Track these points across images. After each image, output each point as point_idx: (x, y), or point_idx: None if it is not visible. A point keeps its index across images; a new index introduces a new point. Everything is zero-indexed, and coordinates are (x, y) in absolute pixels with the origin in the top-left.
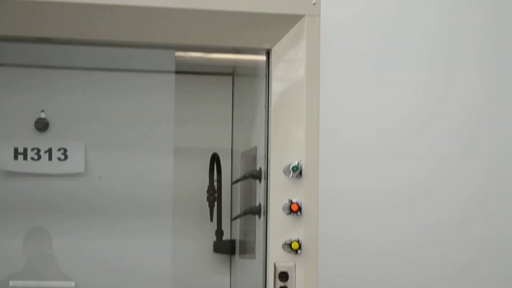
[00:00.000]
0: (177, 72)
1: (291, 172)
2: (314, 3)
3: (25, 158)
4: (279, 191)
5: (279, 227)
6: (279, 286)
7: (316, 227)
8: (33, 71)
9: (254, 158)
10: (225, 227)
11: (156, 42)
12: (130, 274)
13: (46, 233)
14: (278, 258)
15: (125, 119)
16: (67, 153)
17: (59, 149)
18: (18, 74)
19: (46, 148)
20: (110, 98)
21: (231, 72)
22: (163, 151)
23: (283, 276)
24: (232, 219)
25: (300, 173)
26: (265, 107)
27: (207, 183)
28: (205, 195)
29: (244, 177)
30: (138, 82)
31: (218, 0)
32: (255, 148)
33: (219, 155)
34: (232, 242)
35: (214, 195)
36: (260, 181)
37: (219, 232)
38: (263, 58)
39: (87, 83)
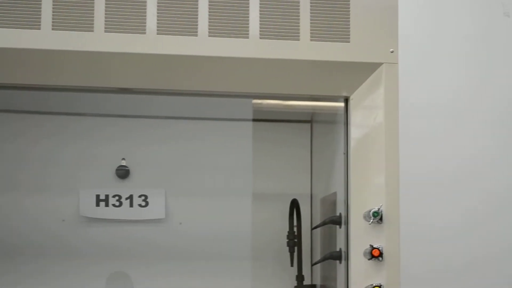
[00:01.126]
0: (254, 120)
1: (372, 217)
2: (392, 51)
3: (106, 205)
4: (359, 236)
5: (360, 273)
6: None
7: (398, 272)
8: (114, 120)
9: (334, 203)
10: (305, 272)
11: (233, 91)
12: None
13: (127, 278)
14: None
15: (203, 166)
16: (148, 200)
17: (140, 196)
18: (100, 123)
19: (127, 195)
20: (189, 145)
21: (309, 119)
22: (241, 197)
23: None
24: (312, 264)
25: (381, 218)
26: (344, 153)
27: (285, 228)
28: (283, 240)
29: (324, 223)
30: (216, 130)
31: (296, 49)
32: (335, 194)
33: (298, 200)
34: (312, 287)
35: (294, 240)
36: (340, 227)
37: (299, 277)
38: (341, 105)
39: (166, 131)
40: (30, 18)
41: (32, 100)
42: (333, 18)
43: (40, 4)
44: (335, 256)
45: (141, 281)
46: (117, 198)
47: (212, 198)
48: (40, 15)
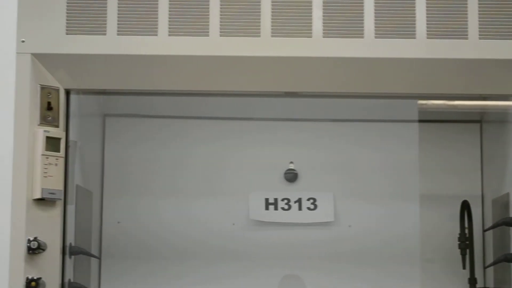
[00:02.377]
0: (420, 121)
1: None
2: None
3: (276, 208)
4: None
5: None
6: None
7: None
8: (282, 124)
9: (506, 205)
10: (478, 275)
11: (398, 92)
12: None
13: (300, 281)
14: None
15: (370, 168)
16: (317, 203)
17: (308, 199)
18: (269, 127)
19: (296, 198)
20: (355, 148)
21: (478, 119)
22: (408, 199)
23: None
24: (485, 267)
25: None
26: None
27: (454, 230)
28: (452, 242)
29: (497, 224)
30: (382, 132)
31: (464, 48)
32: (507, 195)
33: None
34: None
35: (465, 242)
36: None
37: (472, 280)
38: None
39: (333, 134)
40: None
41: (203, 105)
42: (503, 15)
43: (208, 12)
44: (509, 259)
45: (312, 283)
46: (286, 201)
47: (380, 201)
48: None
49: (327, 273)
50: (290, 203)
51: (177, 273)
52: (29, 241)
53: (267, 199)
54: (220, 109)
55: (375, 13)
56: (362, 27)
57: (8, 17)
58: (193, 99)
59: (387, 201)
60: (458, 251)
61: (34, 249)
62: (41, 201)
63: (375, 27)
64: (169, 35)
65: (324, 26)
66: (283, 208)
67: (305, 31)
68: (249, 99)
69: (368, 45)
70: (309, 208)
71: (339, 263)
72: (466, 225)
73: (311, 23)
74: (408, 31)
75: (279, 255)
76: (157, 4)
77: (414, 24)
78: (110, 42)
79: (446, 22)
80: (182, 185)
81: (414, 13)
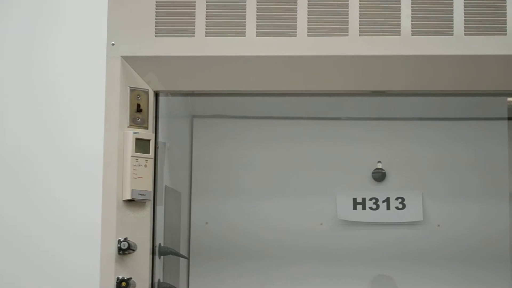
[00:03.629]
0: (509, 119)
1: None
2: None
3: (363, 208)
4: None
5: None
6: None
7: None
8: (370, 123)
9: None
10: None
11: (486, 90)
12: None
13: (391, 281)
14: None
15: (458, 167)
16: (405, 202)
17: (396, 198)
18: (356, 126)
19: (384, 198)
20: (443, 146)
21: None
22: (498, 197)
23: None
24: None
25: None
26: None
27: None
28: None
29: None
30: (470, 130)
31: None
32: None
33: None
34: None
35: None
36: None
37: None
38: None
39: (421, 133)
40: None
41: (291, 105)
42: None
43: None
44: None
45: (402, 283)
46: (374, 201)
47: (469, 199)
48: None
49: (416, 273)
50: (378, 203)
51: (264, 273)
52: (119, 241)
53: (355, 199)
54: (308, 109)
55: (465, 10)
56: (452, 24)
57: (99, 21)
58: (281, 99)
59: (476, 200)
60: None
61: (125, 250)
62: (131, 202)
63: (465, 24)
64: (257, 35)
65: (412, 24)
66: (371, 208)
67: (394, 29)
68: (336, 98)
69: (458, 43)
70: (397, 208)
71: (428, 263)
72: None
73: (399, 21)
74: (497, 28)
75: (367, 255)
76: (244, 5)
77: (505, 21)
78: (199, 44)
79: None
80: (270, 185)
81: (505, 10)
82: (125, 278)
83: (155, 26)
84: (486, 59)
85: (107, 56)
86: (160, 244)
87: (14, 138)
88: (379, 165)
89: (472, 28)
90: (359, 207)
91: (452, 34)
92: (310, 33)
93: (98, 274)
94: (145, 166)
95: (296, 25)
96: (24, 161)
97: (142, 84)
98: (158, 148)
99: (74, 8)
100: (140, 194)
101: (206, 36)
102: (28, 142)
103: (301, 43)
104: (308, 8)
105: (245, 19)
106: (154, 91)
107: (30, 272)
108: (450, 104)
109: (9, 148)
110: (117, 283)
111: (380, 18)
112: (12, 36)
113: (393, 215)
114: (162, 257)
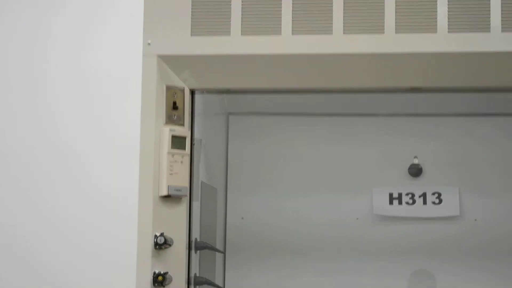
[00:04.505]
0: None
1: None
2: None
3: (400, 203)
4: None
5: None
6: None
7: None
8: (406, 119)
9: None
10: None
11: None
12: None
13: (430, 276)
14: None
15: (495, 163)
16: (442, 197)
17: (433, 193)
18: (393, 122)
19: (421, 193)
20: (480, 142)
21: None
22: None
23: None
24: None
25: None
26: None
27: None
28: None
29: None
30: (506, 126)
31: None
32: None
33: None
34: None
35: None
36: None
37: None
38: None
39: (458, 129)
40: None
41: (327, 102)
42: None
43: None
44: None
45: (440, 278)
46: (410, 196)
47: (506, 194)
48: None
49: (453, 267)
50: (414, 198)
51: (300, 268)
52: (156, 236)
53: (391, 194)
54: (345, 106)
55: (502, 6)
56: (489, 20)
57: (135, 21)
58: (317, 97)
59: None
60: None
61: (161, 245)
62: (167, 198)
63: (502, 21)
64: (293, 33)
65: (449, 22)
66: (407, 203)
67: (430, 26)
68: (373, 95)
69: (495, 39)
70: (434, 203)
71: (466, 257)
72: None
73: (436, 18)
74: None
75: (404, 249)
76: (280, 3)
77: None
78: (234, 42)
79: None
80: (305, 181)
81: None
82: (162, 272)
83: (191, 25)
84: None
85: (143, 55)
86: (196, 239)
87: (64, 131)
88: (415, 161)
89: (510, 24)
90: (395, 202)
91: (489, 31)
92: (346, 31)
93: (135, 268)
94: (181, 162)
95: (332, 23)
96: (73, 155)
97: (178, 82)
98: (194, 144)
99: (112, 7)
100: (176, 190)
101: (241, 35)
102: (77, 136)
103: (337, 41)
104: (344, 6)
105: (280, 17)
106: (190, 89)
107: (72, 259)
108: (487, 100)
109: (57, 138)
110: (153, 277)
111: (417, 16)
112: (63, 36)
113: (430, 210)
114: (198, 251)
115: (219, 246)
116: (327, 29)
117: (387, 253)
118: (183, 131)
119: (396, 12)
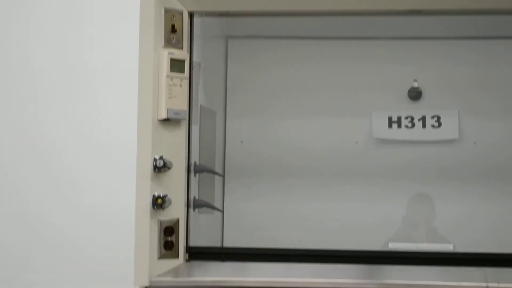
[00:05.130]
0: None
1: None
2: None
3: (399, 126)
4: None
5: None
6: None
7: None
8: (406, 42)
9: None
10: None
11: None
12: None
13: (427, 198)
14: None
15: (495, 85)
16: (441, 121)
17: (432, 117)
18: (392, 45)
19: (420, 116)
20: (480, 65)
21: None
22: None
23: None
24: None
25: None
26: None
27: None
28: None
29: None
30: (506, 48)
31: None
32: None
33: None
34: None
35: None
36: None
37: None
38: None
39: (457, 51)
40: None
41: (326, 25)
42: None
43: None
44: None
45: (439, 201)
46: (409, 119)
47: (506, 117)
48: None
49: (452, 190)
50: (413, 121)
51: (298, 191)
52: (155, 160)
53: (390, 117)
54: (344, 29)
55: None
56: None
57: None
58: (316, 19)
59: None
60: None
61: (160, 168)
62: (166, 121)
63: None
64: None
65: None
66: (406, 126)
67: None
68: (373, 17)
69: None
70: (433, 126)
71: (465, 181)
72: None
73: None
74: None
75: (403, 173)
76: None
77: None
78: None
79: None
80: (304, 104)
81: None
82: (161, 195)
83: None
84: None
85: None
86: (195, 162)
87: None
88: (415, 84)
89: None
90: (395, 125)
91: None
92: None
93: (134, 191)
94: (180, 86)
95: None
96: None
97: (176, 5)
98: (193, 68)
99: None
100: (175, 113)
101: None
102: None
103: None
104: None
105: None
106: (188, 12)
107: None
108: (488, 23)
109: None
110: (153, 200)
111: None
112: None
113: (429, 133)
114: (197, 174)
115: (218, 169)
116: None
117: (385, 177)
118: (182, 54)
119: None
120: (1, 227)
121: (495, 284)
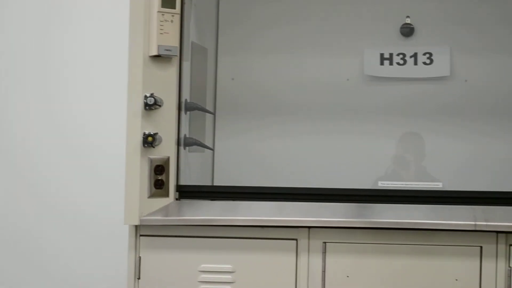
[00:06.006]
0: None
1: None
2: None
3: (391, 63)
4: None
5: None
6: None
7: None
8: None
9: None
10: None
11: None
12: None
13: (417, 136)
14: None
15: (487, 22)
16: (433, 57)
17: (424, 54)
18: None
19: (412, 53)
20: (468, 2)
21: None
22: None
23: None
24: None
25: None
26: None
27: None
28: None
29: None
30: None
31: None
32: None
33: None
34: None
35: None
36: None
37: None
38: None
39: None
40: None
41: None
42: None
43: None
44: None
45: (430, 139)
46: (401, 56)
47: (497, 55)
48: None
49: (444, 127)
50: (405, 58)
51: (290, 128)
52: (145, 97)
53: (382, 54)
54: None
55: None
56: None
57: None
58: None
59: (504, 54)
60: None
61: (151, 105)
62: (157, 58)
63: None
64: None
65: None
66: (398, 63)
67: None
68: None
69: None
70: (424, 63)
71: (456, 118)
72: None
73: None
74: None
75: (394, 110)
76: None
77: None
78: None
79: None
80: (296, 41)
81: None
82: (152, 133)
83: None
84: None
85: None
86: (186, 99)
87: None
88: (408, 20)
89: None
90: (386, 62)
91: None
92: None
93: (125, 129)
94: (171, 21)
95: None
96: None
97: None
98: (184, 3)
99: None
100: (166, 50)
101: None
102: None
103: None
104: None
105: None
106: None
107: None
108: None
109: None
110: (143, 138)
111: None
112: None
113: (421, 70)
114: (188, 112)
115: (209, 107)
116: None
117: (377, 114)
118: None
119: None
120: None
121: (483, 222)
